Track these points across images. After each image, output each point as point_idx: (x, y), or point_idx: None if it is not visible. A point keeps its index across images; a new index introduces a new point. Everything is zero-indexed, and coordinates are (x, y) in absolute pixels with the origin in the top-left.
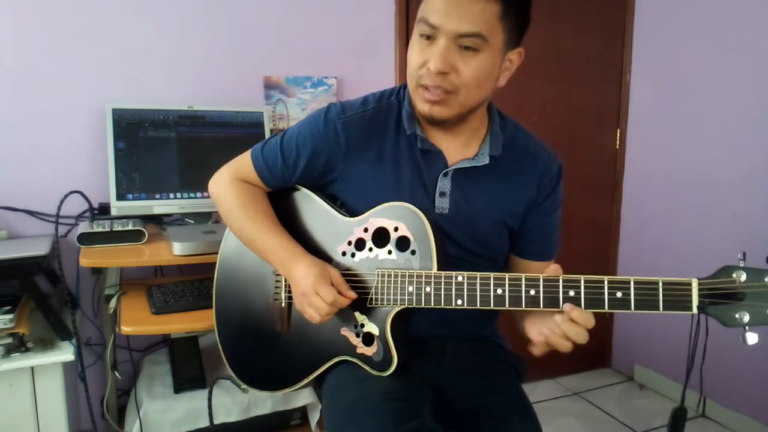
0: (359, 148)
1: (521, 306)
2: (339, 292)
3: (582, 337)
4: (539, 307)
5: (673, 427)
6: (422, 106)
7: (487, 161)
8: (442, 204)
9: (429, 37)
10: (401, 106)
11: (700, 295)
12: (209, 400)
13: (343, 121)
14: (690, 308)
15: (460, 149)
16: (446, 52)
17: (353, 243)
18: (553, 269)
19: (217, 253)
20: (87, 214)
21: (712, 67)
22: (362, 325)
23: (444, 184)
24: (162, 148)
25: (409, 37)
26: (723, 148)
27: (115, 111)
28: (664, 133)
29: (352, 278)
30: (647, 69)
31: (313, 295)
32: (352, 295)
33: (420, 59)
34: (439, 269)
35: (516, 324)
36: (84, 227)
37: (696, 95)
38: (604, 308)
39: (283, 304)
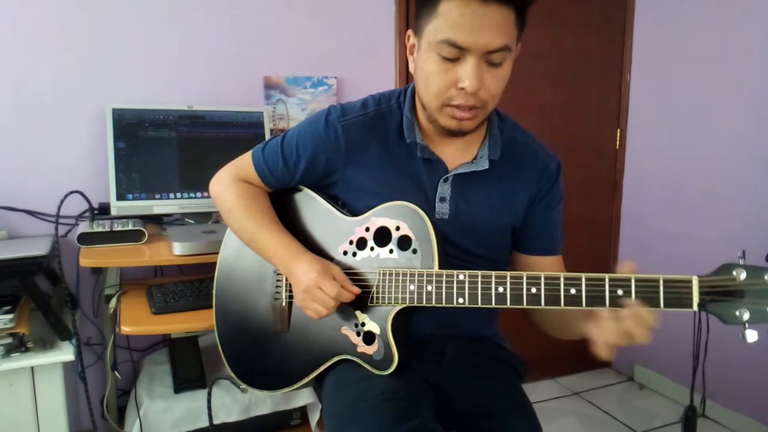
0: (359, 152)
1: (522, 304)
2: (342, 287)
3: (645, 338)
4: (540, 305)
5: (687, 426)
6: (449, 122)
7: (486, 166)
8: (442, 209)
9: (453, 58)
10: (401, 111)
11: (700, 293)
12: (208, 400)
13: (343, 124)
14: (690, 305)
15: (458, 153)
16: (479, 70)
17: (355, 242)
18: (628, 268)
19: (217, 253)
20: (87, 214)
21: (712, 67)
22: (363, 324)
23: (444, 189)
24: (162, 148)
25: (413, 21)
26: (723, 147)
27: (115, 111)
28: (664, 133)
29: (353, 277)
30: (647, 69)
31: (316, 290)
32: (356, 290)
33: (446, 81)
34: (440, 268)
35: (570, 327)
36: (84, 227)
37: (696, 95)
38: (604, 306)
39: (284, 304)
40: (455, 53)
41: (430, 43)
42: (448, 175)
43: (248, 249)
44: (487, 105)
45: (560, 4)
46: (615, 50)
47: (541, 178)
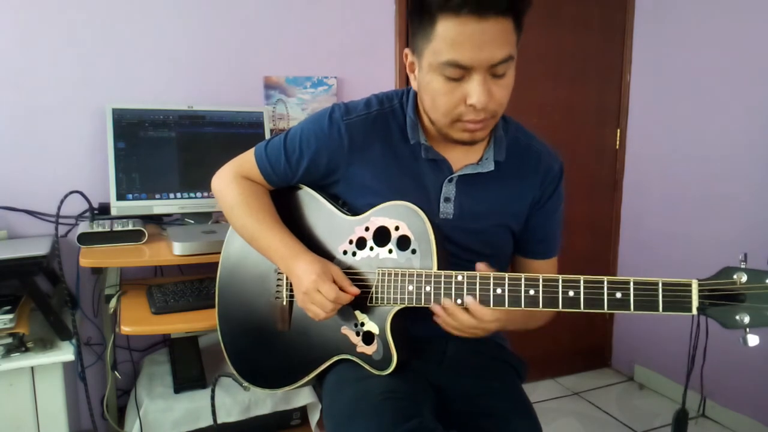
0: (362, 150)
1: (520, 305)
2: (341, 289)
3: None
4: (538, 306)
5: (676, 429)
6: (462, 135)
7: (492, 167)
8: (447, 209)
9: (458, 78)
10: (404, 112)
11: (700, 297)
12: (212, 398)
13: (347, 122)
14: (690, 309)
15: (463, 154)
16: (485, 85)
17: (354, 242)
18: (481, 267)
19: (217, 253)
20: (87, 214)
21: (712, 67)
22: (362, 324)
23: (449, 189)
24: (162, 148)
25: (409, 39)
26: (723, 147)
27: (115, 111)
28: (664, 133)
29: (352, 277)
30: (647, 69)
31: (315, 293)
32: (355, 290)
33: (453, 99)
34: (439, 268)
35: None
36: (84, 227)
37: (696, 95)
38: (603, 309)
39: (285, 303)
40: (459, 73)
41: (432, 65)
42: (453, 175)
43: (251, 247)
44: (497, 114)
45: (560, 4)
46: (615, 50)
47: (545, 180)
